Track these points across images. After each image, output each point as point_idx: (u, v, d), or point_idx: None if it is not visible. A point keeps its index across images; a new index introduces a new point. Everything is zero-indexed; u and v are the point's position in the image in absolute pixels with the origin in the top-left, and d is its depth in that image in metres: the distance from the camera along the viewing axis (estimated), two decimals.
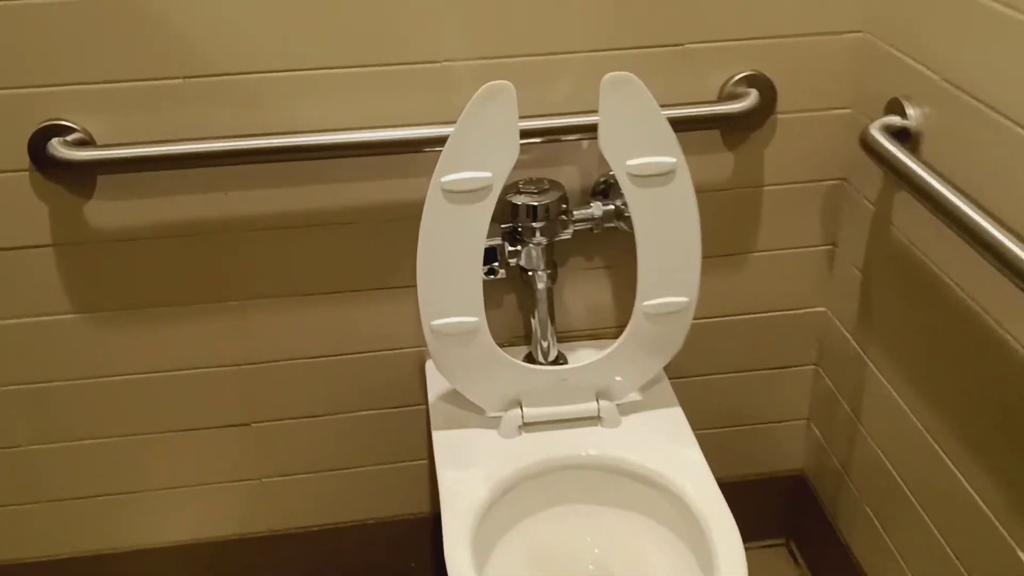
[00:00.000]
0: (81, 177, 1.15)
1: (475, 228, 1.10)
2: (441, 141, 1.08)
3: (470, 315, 1.14)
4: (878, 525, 1.35)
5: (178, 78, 1.11)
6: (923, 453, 1.20)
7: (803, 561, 1.59)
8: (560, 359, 1.29)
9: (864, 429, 1.35)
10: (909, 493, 1.25)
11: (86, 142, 1.12)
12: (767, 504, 1.58)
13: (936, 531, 1.19)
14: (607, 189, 1.23)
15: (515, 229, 1.19)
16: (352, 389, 1.36)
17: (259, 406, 1.35)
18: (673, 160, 1.09)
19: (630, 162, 1.08)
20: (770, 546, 1.63)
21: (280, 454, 1.40)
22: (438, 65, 1.14)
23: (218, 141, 1.11)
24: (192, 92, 1.11)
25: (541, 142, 1.17)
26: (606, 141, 1.07)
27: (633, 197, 1.10)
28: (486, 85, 1.03)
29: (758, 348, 1.42)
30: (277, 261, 1.24)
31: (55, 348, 1.26)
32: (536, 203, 1.17)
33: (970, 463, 1.10)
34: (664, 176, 1.09)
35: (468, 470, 1.16)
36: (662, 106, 1.08)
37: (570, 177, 1.23)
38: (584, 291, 1.33)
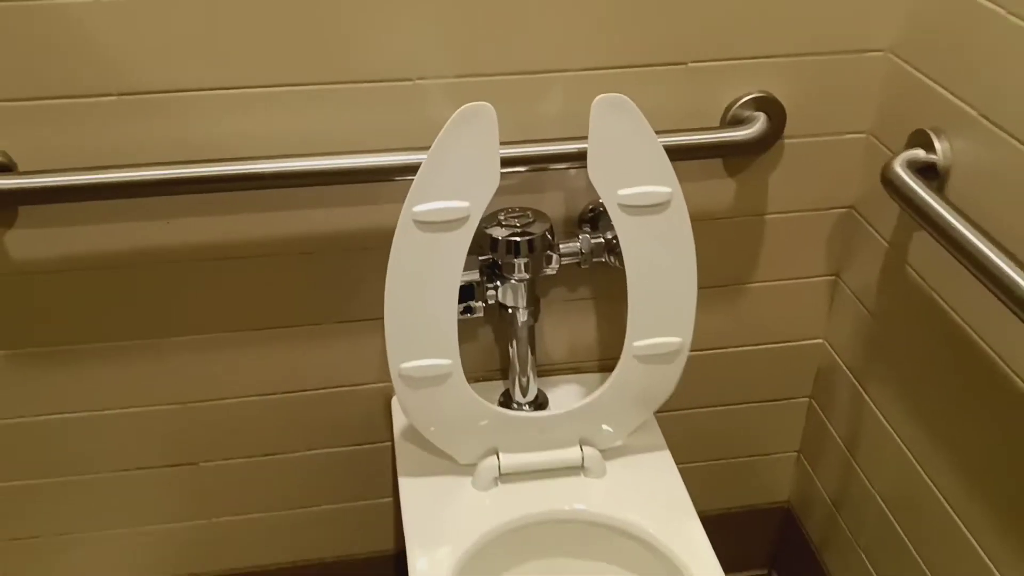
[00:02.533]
0: (1, 207, 1.01)
1: (450, 262, 0.98)
2: (413, 169, 0.96)
3: (443, 357, 1.02)
4: (866, 560, 1.28)
5: (112, 95, 0.96)
6: (918, 492, 1.13)
7: None
8: (540, 397, 1.18)
9: (857, 464, 1.27)
10: (901, 531, 1.18)
11: (6, 167, 0.98)
12: (752, 535, 1.49)
13: (927, 571, 1.12)
14: (596, 218, 1.11)
15: (494, 263, 1.08)
16: (311, 427, 1.24)
17: (207, 445, 1.23)
18: (668, 190, 0.97)
19: (621, 192, 0.97)
20: (752, 574, 1.55)
21: (231, 493, 1.28)
22: (410, 83, 1.01)
23: (157, 168, 0.98)
24: (128, 110, 0.97)
25: (525, 170, 1.05)
26: (596, 169, 0.96)
27: (624, 229, 0.99)
28: (463, 107, 0.90)
29: (752, 380, 1.32)
30: (226, 293, 1.11)
31: None
32: (519, 238, 1.05)
33: (967, 504, 1.03)
34: (658, 207, 0.98)
35: (439, 528, 1.06)
36: (661, 132, 0.97)
37: (555, 205, 1.11)
38: (567, 324, 1.21)
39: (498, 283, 1.08)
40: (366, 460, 1.28)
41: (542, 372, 1.23)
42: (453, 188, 0.94)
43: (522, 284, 1.08)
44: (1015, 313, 0.82)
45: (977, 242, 0.87)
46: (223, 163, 0.98)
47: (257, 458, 1.25)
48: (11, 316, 1.08)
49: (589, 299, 1.20)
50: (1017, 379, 0.93)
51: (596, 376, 1.24)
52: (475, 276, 1.07)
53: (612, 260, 1.09)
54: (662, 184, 0.97)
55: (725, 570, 1.01)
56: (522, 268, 1.06)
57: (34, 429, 1.17)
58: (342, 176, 1.01)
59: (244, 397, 1.19)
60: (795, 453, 1.42)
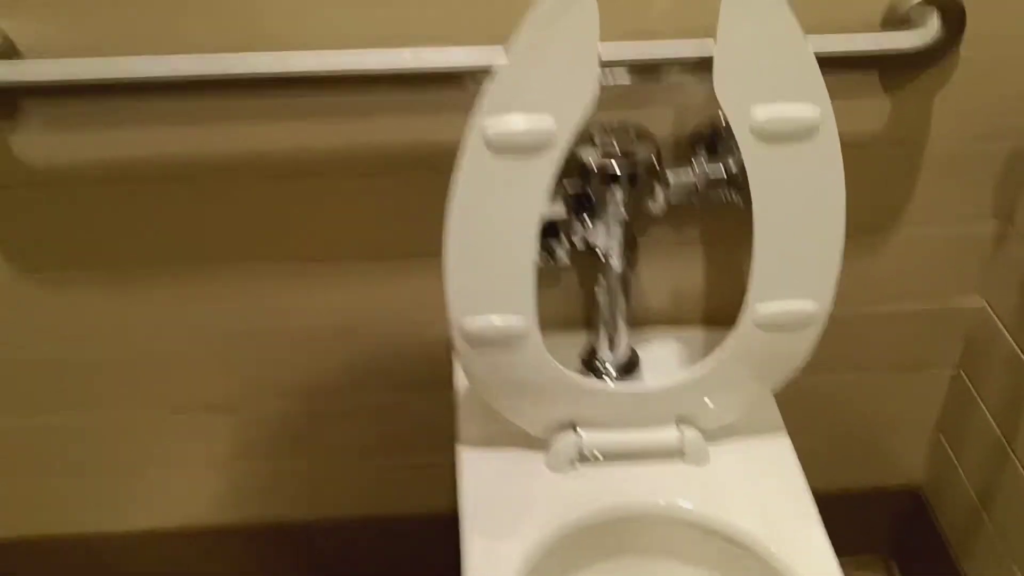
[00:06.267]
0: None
1: (529, 196, 0.77)
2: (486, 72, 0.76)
3: (516, 313, 0.83)
4: (1010, 562, 1.07)
5: None
6: None
7: None
8: (631, 356, 0.98)
9: (1013, 451, 1.05)
10: None
11: (5, 53, 0.80)
12: (870, 517, 1.29)
13: None
14: (714, 139, 0.89)
15: (584, 195, 0.87)
16: (363, 371, 1.07)
17: (249, 388, 1.07)
18: (817, 111, 0.75)
19: (756, 111, 0.75)
20: (868, 559, 1.35)
21: (272, 442, 1.12)
22: None
23: (193, 59, 0.79)
24: None
25: (629, 81, 0.83)
26: (724, 80, 0.73)
27: (756, 160, 0.77)
28: None
29: (888, 345, 1.10)
30: (268, 217, 0.94)
31: None
32: (618, 166, 0.84)
33: None
34: (803, 133, 0.76)
35: (504, 515, 0.88)
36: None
37: (662, 120, 0.89)
38: (669, 269, 1.01)
39: (587, 218, 0.88)
40: (422, 408, 1.11)
41: (634, 322, 1.03)
42: (537, 99, 0.73)
43: (619, 223, 0.87)
44: None
45: None
46: (265, 54, 0.80)
47: (300, 404, 1.09)
48: (21, 235, 0.93)
49: (698, 244, 0.99)
50: None
51: (700, 333, 1.04)
52: (561, 213, 0.87)
53: (733, 197, 0.87)
54: (810, 102, 0.74)
55: (838, 552, 0.83)
56: (620, 203, 0.86)
57: (50, 367, 1.03)
58: (402, 80, 0.81)
59: (287, 335, 1.02)
60: (932, 431, 1.20)
